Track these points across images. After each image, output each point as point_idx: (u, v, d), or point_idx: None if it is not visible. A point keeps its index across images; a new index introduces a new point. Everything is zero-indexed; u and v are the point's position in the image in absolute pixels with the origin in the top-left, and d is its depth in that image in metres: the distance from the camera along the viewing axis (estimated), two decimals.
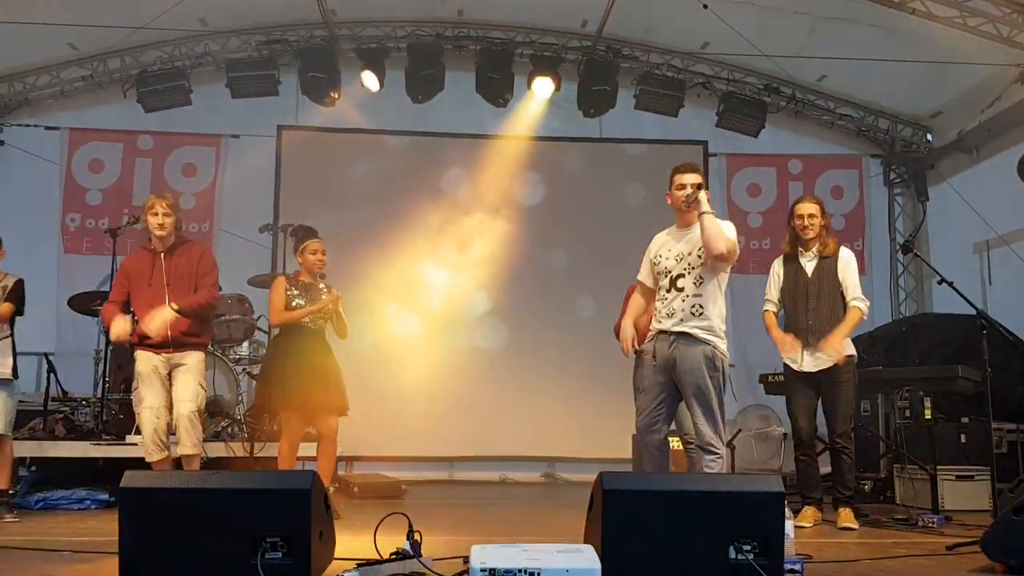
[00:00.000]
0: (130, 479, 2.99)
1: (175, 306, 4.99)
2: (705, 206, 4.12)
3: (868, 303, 5.27)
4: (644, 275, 4.49)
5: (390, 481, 7.30)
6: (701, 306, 4.18)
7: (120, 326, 4.97)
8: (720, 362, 4.19)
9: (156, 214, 5.11)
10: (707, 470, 4.15)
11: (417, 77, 9.09)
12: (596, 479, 3.15)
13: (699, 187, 4.17)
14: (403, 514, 3.32)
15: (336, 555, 3.37)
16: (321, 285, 5.65)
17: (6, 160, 9.21)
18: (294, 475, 3.10)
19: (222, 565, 2.89)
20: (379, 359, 8.73)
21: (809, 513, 5.20)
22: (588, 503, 3.26)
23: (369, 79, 9.01)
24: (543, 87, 9.16)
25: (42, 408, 6.70)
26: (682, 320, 4.17)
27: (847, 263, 5.28)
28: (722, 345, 4.21)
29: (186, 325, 5.07)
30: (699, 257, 4.20)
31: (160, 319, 4.95)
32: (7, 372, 5.39)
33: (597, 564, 2.80)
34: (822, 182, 9.55)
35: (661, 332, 4.25)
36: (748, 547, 3.03)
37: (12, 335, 5.47)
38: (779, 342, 5.29)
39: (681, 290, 4.21)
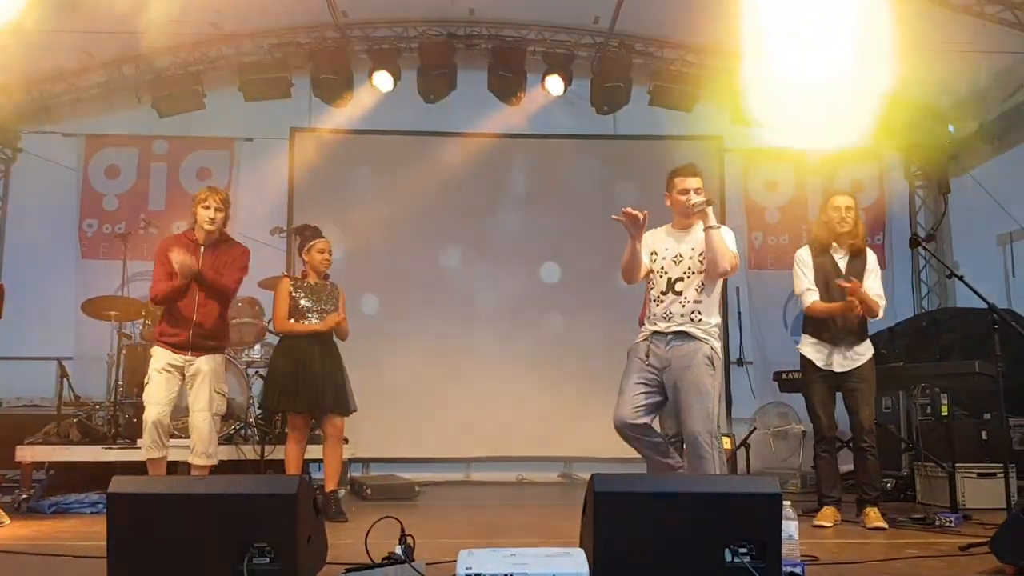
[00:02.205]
0: (118, 484, 2.98)
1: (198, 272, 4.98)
2: (712, 220, 4.10)
3: (884, 305, 5.17)
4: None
5: (403, 483, 7.27)
6: (700, 312, 4.17)
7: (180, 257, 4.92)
8: (718, 363, 4.15)
9: (208, 207, 5.14)
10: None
11: (429, 77, 9.05)
12: (588, 480, 3.10)
13: (708, 203, 4.10)
14: (394, 518, 3.29)
15: (331, 560, 3.35)
16: (334, 286, 5.68)
17: (25, 167, 9.30)
18: (280, 480, 3.09)
19: (209, 570, 2.88)
20: (394, 360, 8.71)
21: (828, 513, 5.11)
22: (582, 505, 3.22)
23: (381, 80, 9.00)
24: (556, 85, 9.10)
25: (56, 413, 6.75)
26: (680, 323, 4.16)
27: (875, 266, 5.21)
28: (719, 347, 4.19)
29: (206, 328, 5.07)
30: (700, 263, 4.17)
31: (188, 261, 4.91)
32: None
33: (585, 568, 2.75)
34: (841, 176, 9.39)
35: (656, 333, 4.21)
36: (744, 550, 2.97)
37: None
38: (844, 307, 5.03)
39: (680, 294, 4.18)
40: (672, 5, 8.46)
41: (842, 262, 5.20)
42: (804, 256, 5.32)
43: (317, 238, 5.72)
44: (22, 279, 8.23)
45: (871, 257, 5.24)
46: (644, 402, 4.16)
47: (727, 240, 4.16)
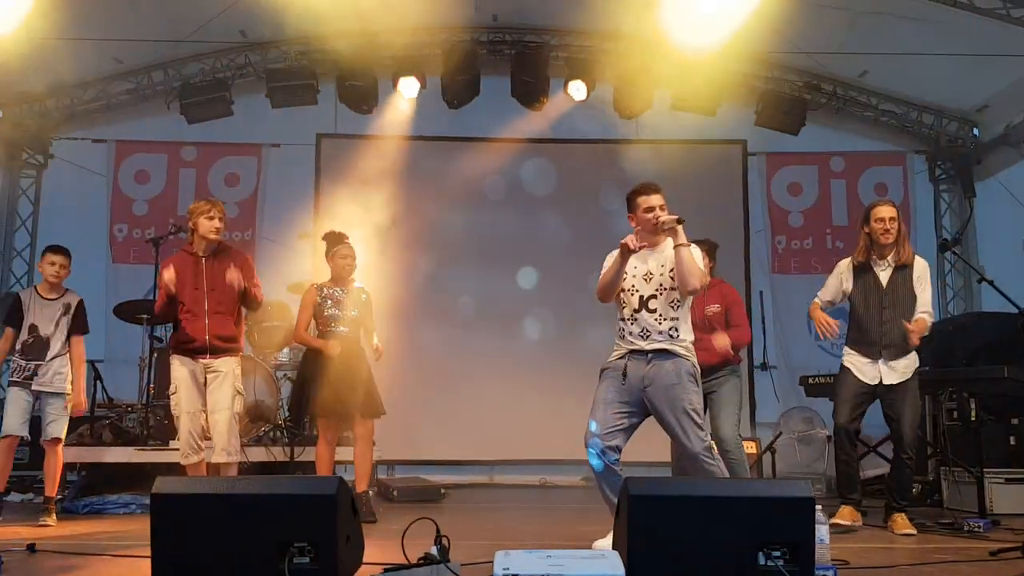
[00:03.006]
0: (162, 484, 3.06)
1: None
2: (683, 237, 4.06)
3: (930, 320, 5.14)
4: None
5: (429, 485, 7.34)
6: (677, 328, 4.13)
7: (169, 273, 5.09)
8: (699, 378, 4.16)
9: (213, 218, 5.22)
10: None
11: (453, 83, 9.13)
12: (622, 484, 3.14)
13: (679, 220, 4.05)
14: (430, 519, 3.34)
15: (366, 560, 3.40)
16: (362, 290, 5.75)
17: (56, 173, 9.48)
18: (320, 481, 3.15)
19: (251, 569, 2.94)
20: (418, 363, 8.77)
21: (846, 512, 5.11)
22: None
23: (406, 86, 9.08)
24: (579, 90, 9.14)
25: (90, 414, 6.86)
26: (660, 341, 4.11)
27: (923, 273, 5.13)
28: (696, 362, 4.18)
29: (220, 332, 5.17)
30: (671, 279, 4.12)
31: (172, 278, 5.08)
32: (67, 387, 5.57)
33: (621, 570, 2.78)
34: (865, 180, 9.38)
35: (635, 352, 4.15)
36: (777, 553, 2.99)
37: (67, 354, 5.62)
38: (817, 322, 5.16)
39: (653, 311, 4.13)
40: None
41: (884, 275, 5.14)
42: (843, 269, 5.32)
43: (341, 244, 5.79)
44: None
45: (919, 265, 5.14)
46: (619, 423, 4.10)
47: (696, 258, 4.13)
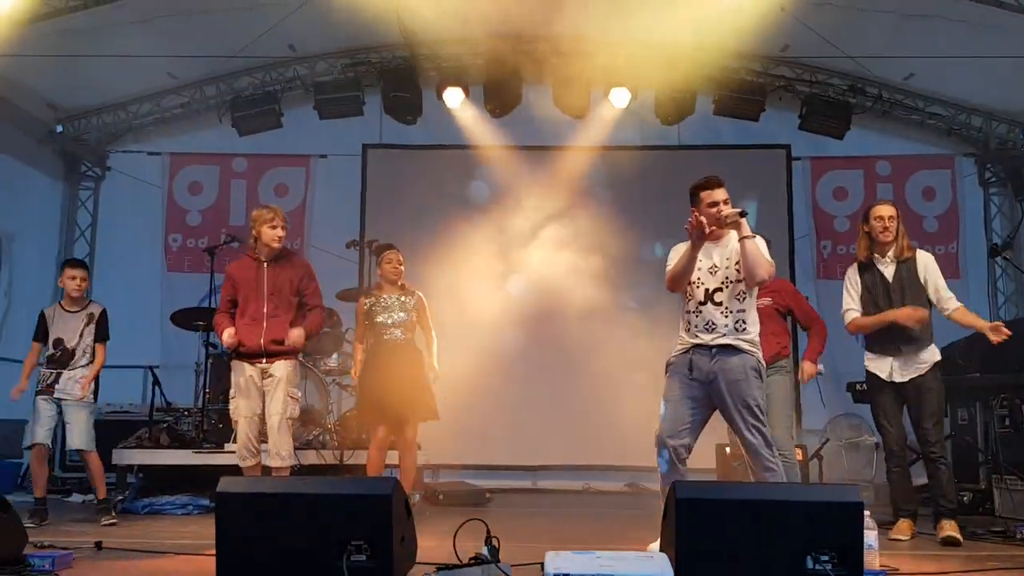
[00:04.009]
0: (226, 484, 3.19)
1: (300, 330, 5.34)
2: (747, 230, 4.10)
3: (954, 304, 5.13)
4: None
5: (474, 489, 7.44)
6: (744, 321, 4.17)
7: (229, 336, 5.28)
8: (763, 374, 4.18)
9: (276, 227, 5.38)
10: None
11: (495, 92, 9.23)
12: (670, 488, 3.19)
13: (742, 213, 4.10)
14: (481, 520, 3.43)
15: (417, 559, 3.50)
16: (410, 294, 5.90)
17: (113, 185, 9.80)
18: (377, 481, 3.26)
19: (312, 566, 3.05)
20: (464, 369, 8.84)
21: (904, 526, 5.06)
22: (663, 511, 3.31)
23: (451, 96, 9.20)
24: (621, 97, 9.19)
25: (147, 418, 7.07)
26: (724, 335, 4.15)
27: (928, 263, 5.15)
28: (762, 357, 4.21)
29: (277, 335, 5.31)
30: (737, 271, 4.17)
31: (296, 335, 5.31)
32: (89, 396, 5.75)
33: (670, 572, 2.85)
34: (912, 183, 9.29)
35: (699, 346, 4.19)
36: (826, 557, 3.02)
37: (92, 362, 5.81)
38: (897, 316, 5.07)
39: (719, 304, 4.17)
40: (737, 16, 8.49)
41: (888, 271, 5.17)
42: (851, 274, 5.36)
43: (388, 250, 5.95)
44: (112, 291, 8.61)
45: (922, 257, 5.17)
46: (689, 421, 4.15)
47: (762, 248, 4.16)
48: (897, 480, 5.22)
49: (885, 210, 5.21)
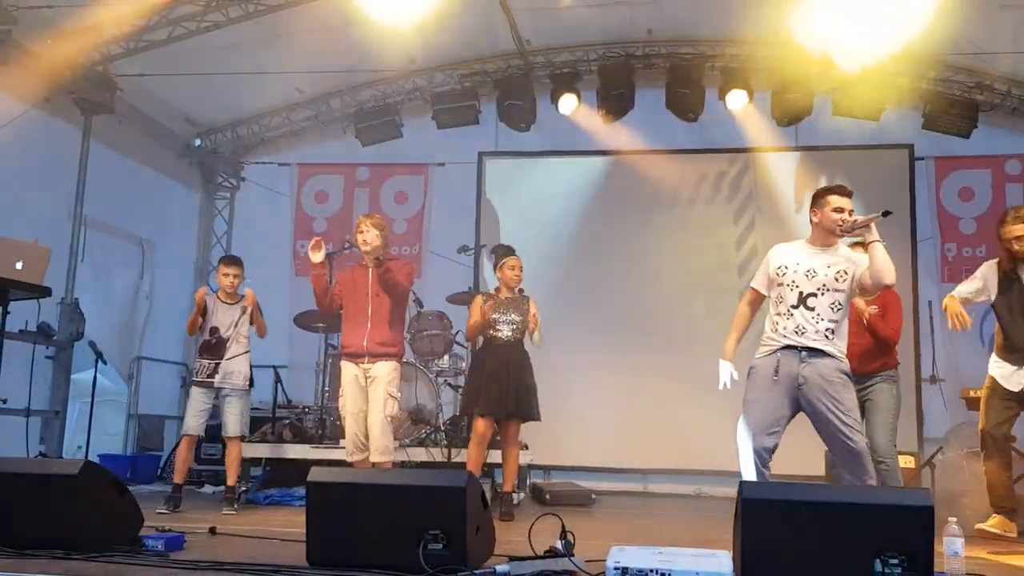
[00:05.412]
0: (316, 474, 3.45)
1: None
2: (876, 234, 4.05)
3: None
4: (760, 283, 4.42)
5: (580, 490, 7.54)
6: (833, 331, 4.13)
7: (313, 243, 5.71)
8: (851, 377, 4.13)
9: (361, 232, 5.69)
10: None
11: (608, 98, 9.31)
12: (738, 488, 3.23)
13: (885, 213, 4.03)
14: (556, 515, 3.56)
15: (500, 552, 3.66)
16: (525, 297, 6.09)
17: (247, 194, 10.48)
18: (453, 474, 3.43)
19: (391, 552, 3.26)
20: (579, 372, 8.98)
21: (997, 521, 4.92)
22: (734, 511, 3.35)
23: (565, 103, 9.35)
24: (737, 99, 9.09)
25: (271, 415, 7.55)
26: (814, 340, 4.11)
27: None
28: (848, 366, 4.16)
29: (381, 337, 5.60)
30: (836, 280, 4.12)
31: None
32: (244, 383, 6.18)
33: (728, 568, 2.90)
34: None
35: (788, 348, 4.16)
36: (895, 561, 3.00)
37: (249, 352, 6.27)
38: (951, 314, 5.11)
39: (812, 309, 4.13)
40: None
41: None
42: (986, 269, 5.26)
43: (509, 256, 6.11)
44: None
45: None
46: (773, 425, 4.12)
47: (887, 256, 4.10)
48: (990, 474, 5.16)
49: (1017, 230, 5.05)
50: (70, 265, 7.92)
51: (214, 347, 6.16)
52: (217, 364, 6.11)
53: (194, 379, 6.20)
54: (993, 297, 5.19)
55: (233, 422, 6.11)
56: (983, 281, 5.16)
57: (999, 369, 5.12)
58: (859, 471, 4.05)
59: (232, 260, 6.45)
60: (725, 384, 4.39)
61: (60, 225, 7.85)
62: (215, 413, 6.23)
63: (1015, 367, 5.04)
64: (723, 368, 4.42)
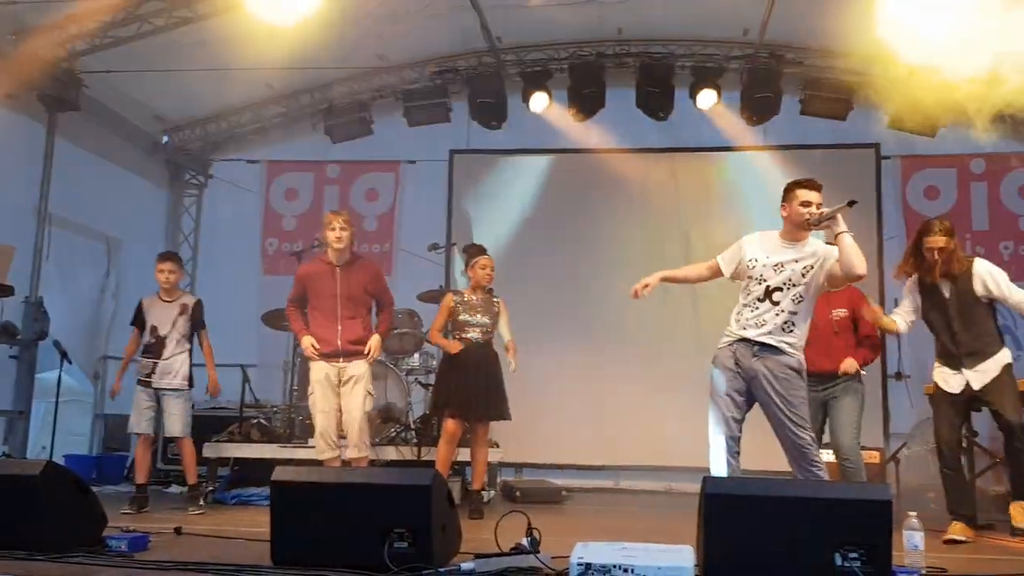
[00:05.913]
0: (279, 474, 3.43)
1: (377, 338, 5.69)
2: (843, 225, 4.06)
3: None
4: (724, 263, 4.44)
5: (550, 487, 7.57)
6: (793, 324, 4.18)
7: (308, 343, 5.62)
8: (803, 373, 4.18)
9: (334, 229, 5.66)
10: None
11: (579, 96, 9.34)
12: (701, 483, 3.26)
13: (851, 203, 4.03)
14: (522, 512, 3.57)
15: (466, 550, 3.66)
16: (494, 299, 6.07)
17: (216, 192, 10.40)
18: (418, 473, 3.43)
19: (355, 551, 3.26)
20: (550, 371, 8.97)
21: (957, 528, 4.97)
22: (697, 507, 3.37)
23: (537, 101, 9.36)
24: (706, 98, 9.16)
25: (239, 414, 7.49)
26: (770, 333, 4.17)
27: (986, 276, 5.00)
28: (803, 359, 4.21)
29: (353, 336, 5.60)
30: (803, 275, 4.17)
31: (375, 344, 5.66)
32: (183, 383, 6.09)
33: (690, 563, 2.93)
34: (1008, 182, 8.89)
35: (743, 340, 4.23)
36: (854, 554, 3.04)
37: (190, 350, 6.16)
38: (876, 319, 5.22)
39: (776, 303, 4.18)
40: (823, 12, 8.35)
41: (946, 288, 5.08)
42: (911, 284, 5.27)
43: (481, 255, 6.09)
44: (212, 292, 9.08)
45: (978, 267, 5.02)
46: (737, 414, 4.22)
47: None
48: (950, 482, 5.18)
49: (935, 241, 5.05)
50: (35, 263, 7.82)
51: (153, 347, 6.06)
52: (156, 364, 6.03)
53: (137, 379, 6.10)
54: (920, 306, 5.23)
55: (176, 423, 6.03)
56: (912, 301, 5.23)
57: (940, 374, 5.21)
58: (807, 464, 4.11)
59: (167, 256, 6.36)
60: (636, 291, 4.53)
61: (25, 223, 7.75)
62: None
63: (953, 371, 5.12)
64: (643, 281, 4.52)
